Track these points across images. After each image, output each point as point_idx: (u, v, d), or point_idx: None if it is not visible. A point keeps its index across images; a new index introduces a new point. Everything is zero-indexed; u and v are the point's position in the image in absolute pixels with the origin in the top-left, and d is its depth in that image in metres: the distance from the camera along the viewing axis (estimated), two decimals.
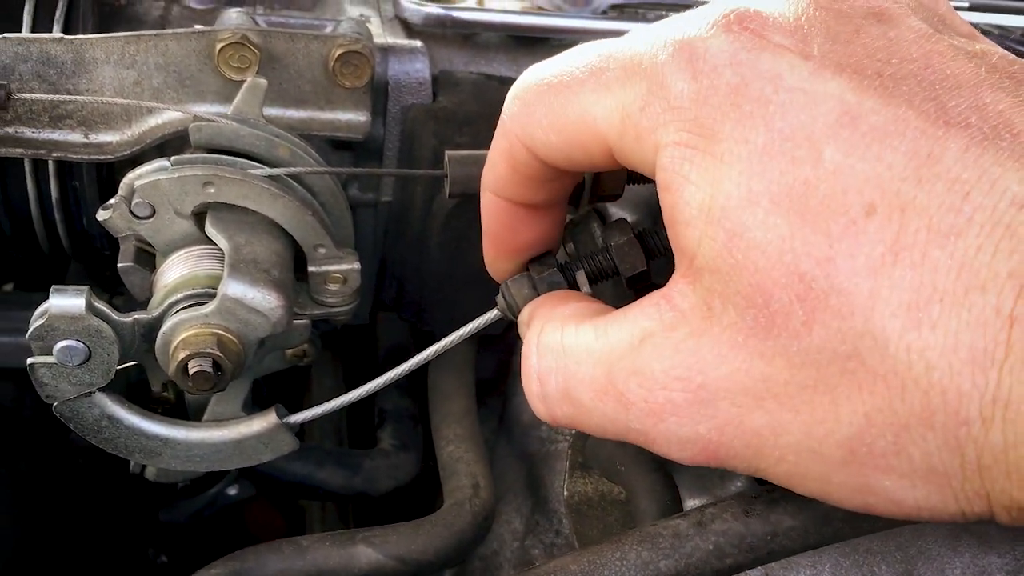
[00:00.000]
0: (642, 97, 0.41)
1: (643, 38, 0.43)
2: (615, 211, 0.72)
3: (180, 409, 0.72)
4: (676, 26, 0.42)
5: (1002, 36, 0.88)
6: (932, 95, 0.37)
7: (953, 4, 0.87)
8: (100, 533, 0.98)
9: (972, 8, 0.88)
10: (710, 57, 0.39)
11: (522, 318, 0.53)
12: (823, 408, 0.37)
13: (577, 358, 0.45)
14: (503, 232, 0.54)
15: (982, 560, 0.48)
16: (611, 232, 0.53)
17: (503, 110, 0.49)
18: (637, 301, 0.44)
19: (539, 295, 0.53)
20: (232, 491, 0.95)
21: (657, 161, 0.41)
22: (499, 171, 0.50)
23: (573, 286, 0.54)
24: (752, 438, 0.39)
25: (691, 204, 0.39)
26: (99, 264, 0.98)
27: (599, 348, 0.44)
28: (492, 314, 0.56)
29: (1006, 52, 0.42)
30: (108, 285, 0.97)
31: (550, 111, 0.45)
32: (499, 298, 0.55)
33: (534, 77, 0.47)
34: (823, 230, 0.36)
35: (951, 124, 0.36)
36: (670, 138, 0.40)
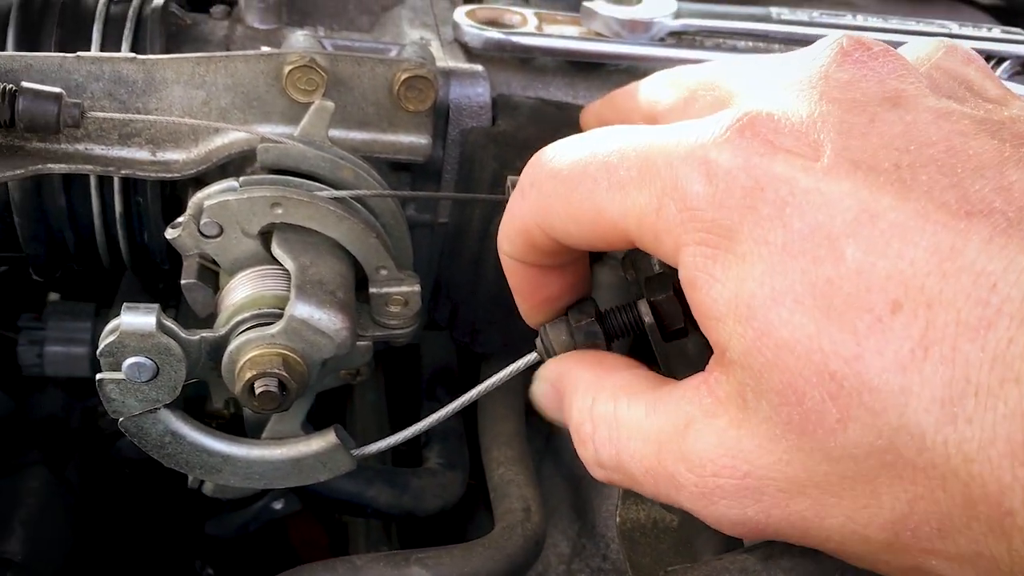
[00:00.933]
0: (657, 198, 0.42)
1: (657, 138, 0.43)
2: None
3: (233, 425, 0.72)
4: (690, 130, 0.42)
5: None
6: (953, 181, 0.36)
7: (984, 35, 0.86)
8: (148, 544, 0.99)
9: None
10: (723, 162, 0.40)
11: (560, 369, 0.53)
12: (865, 496, 0.38)
13: (629, 433, 0.46)
14: (528, 289, 0.55)
15: None
16: (652, 288, 0.53)
17: (516, 190, 0.50)
18: (683, 381, 0.45)
19: (576, 344, 0.54)
20: (277, 505, 0.96)
21: (680, 259, 0.42)
22: (516, 243, 0.52)
23: (610, 335, 0.54)
24: (798, 520, 0.40)
25: (719, 301, 0.40)
26: (153, 277, 0.99)
27: (649, 427, 0.45)
28: (531, 357, 0.56)
29: None
30: (161, 297, 0.98)
31: (567, 204, 0.46)
32: (538, 341, 0.56)
33: (549, 166, 0.48)
34: (849, 328, 0.36)
35: (973, 213, 0.35)
36: (690, 238, 0.41)
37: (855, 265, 0.36)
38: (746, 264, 0.39)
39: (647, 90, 0.57)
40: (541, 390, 0.54)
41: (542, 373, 0.54)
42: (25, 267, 0.84)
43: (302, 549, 1.09)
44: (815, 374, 0.37)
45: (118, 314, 0.60)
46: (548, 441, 0.92)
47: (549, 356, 0.55)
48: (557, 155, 0.48)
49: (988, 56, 0.87)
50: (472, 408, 0.90)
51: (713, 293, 0.40)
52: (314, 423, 0.68)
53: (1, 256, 0.81)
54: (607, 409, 0.47)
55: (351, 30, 0.87)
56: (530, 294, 0.55)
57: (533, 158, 0.50)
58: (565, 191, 0.46)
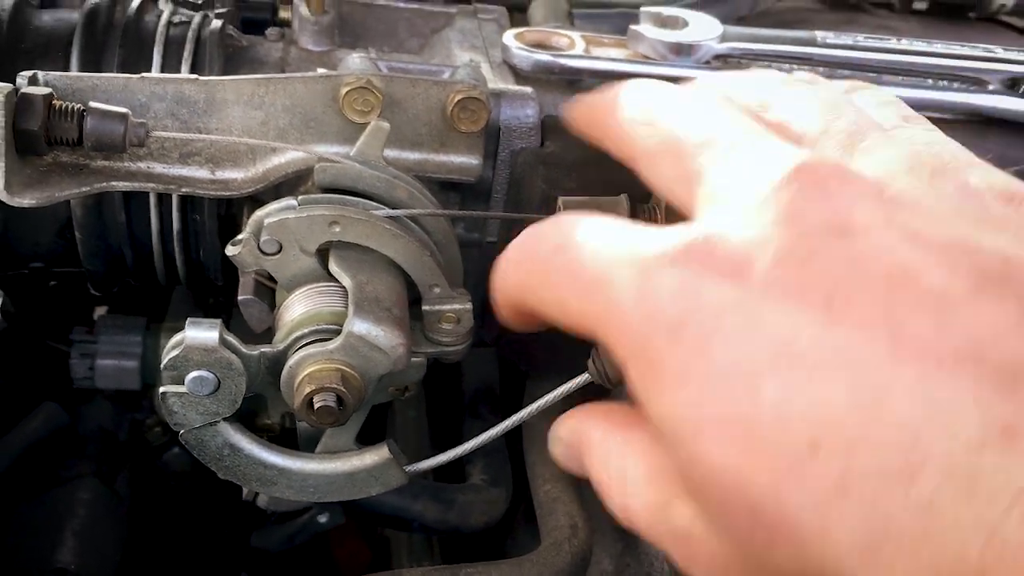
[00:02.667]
0: (604, 311, 0.43)
1: (611, 249, 0.44)
2: None
3: (283, 439, 0.74)
4: (638, 244, 0.43)
5: None
6: (887, 319, 0.35)
7: None
8: (194, 555, 1.01)
9: None
10: (656, 284, 0.40)
11: (574, 427, 0.54)
12: None
13: (634, 490, 0.47)
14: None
15: None
16: None
17: (500, 271, 0.54)
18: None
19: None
20: (323, 519, 0.97)
21: (624, 371, 0.43)
22: (503, 313, 0.56)
23: None
24: None
25: (655, 419, 0.41)
26: (204, 292, 1.01)
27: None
28: (583, 378, 0.56)
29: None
30: (212, 312, 1.00)
31: (537, 295, 0.49)
32: (590, 363, 0.55)
33: (526, 257, 0.51)
34: (767, 465, 0.36)
35: (901, 355, 0.34)
36: (626, 353, 0.42)
37: (773, 403, 0.35)
38: (673, 389, 0.39)
39: (628, 120, 0.56)
40: (559, 451, 0.55)
41: (557, 433, 0.55)
42: (76, 281, 0.86)
43: (345, 564, 1.11)
44: (741, 503, 0.37)
45: (173, 328, 0.61)
46: None
47: (605, 380, 0.54)
48: (533, 246, 0.50)
49: None
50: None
51: (649, 411, 0.41)
52: (359, 438, 0.69)
53: (61, 271, 0.83)
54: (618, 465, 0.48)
55: (401, 52, 0.89)
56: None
57: (514, 243, 0.52)
58: (537, 284, 0.49)
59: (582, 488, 0.91)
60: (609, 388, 0.54)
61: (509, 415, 0.90)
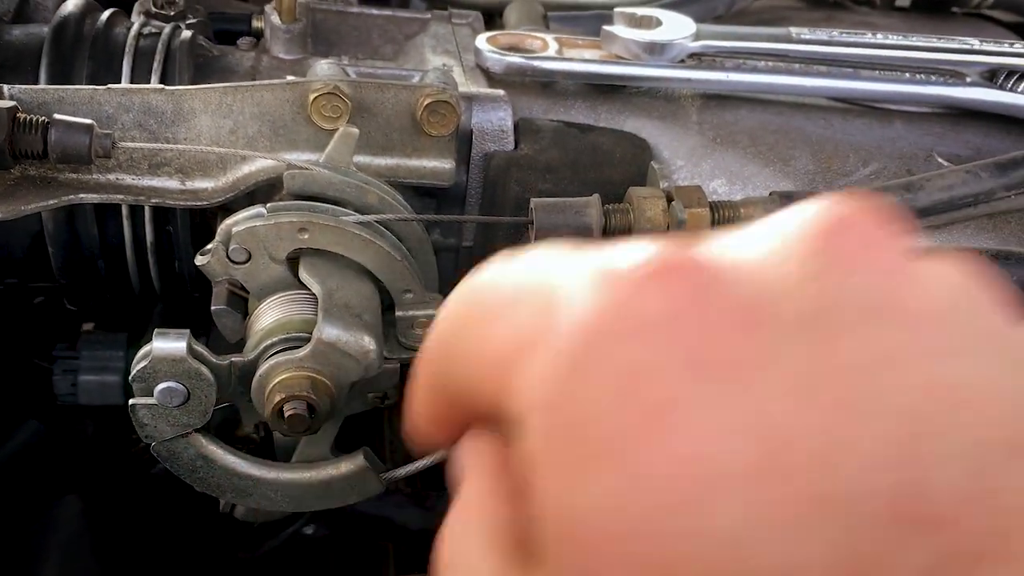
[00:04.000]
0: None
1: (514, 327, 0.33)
2: None
3: (264, 449, 0.73)
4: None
5: None
6: None
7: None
8: (180, 570, 1.00)
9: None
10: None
11: None
12: None
13: None
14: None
15: None
16: None
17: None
18: None
19: None
20: (308, 530, 0.97)
21: None
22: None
23: None
24: None
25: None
26: (185, 305, 1.01)
27: None
28: None
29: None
30: (192, 325, 0.99)
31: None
32: None
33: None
34: None
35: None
36: None
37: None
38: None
39: None
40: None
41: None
42: (60, 298, 0.86)
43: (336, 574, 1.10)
44: None
45: (150, 341, 0.61)
46: None
47: None
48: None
49: (1011, 72, 0.87)
50: None
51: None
52: (346, 448, 0.69)
53: (36, 286, 0.83)
54: None
55: (375, 59, 0.89)
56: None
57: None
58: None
59: None
60: None
61: None
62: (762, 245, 0.30)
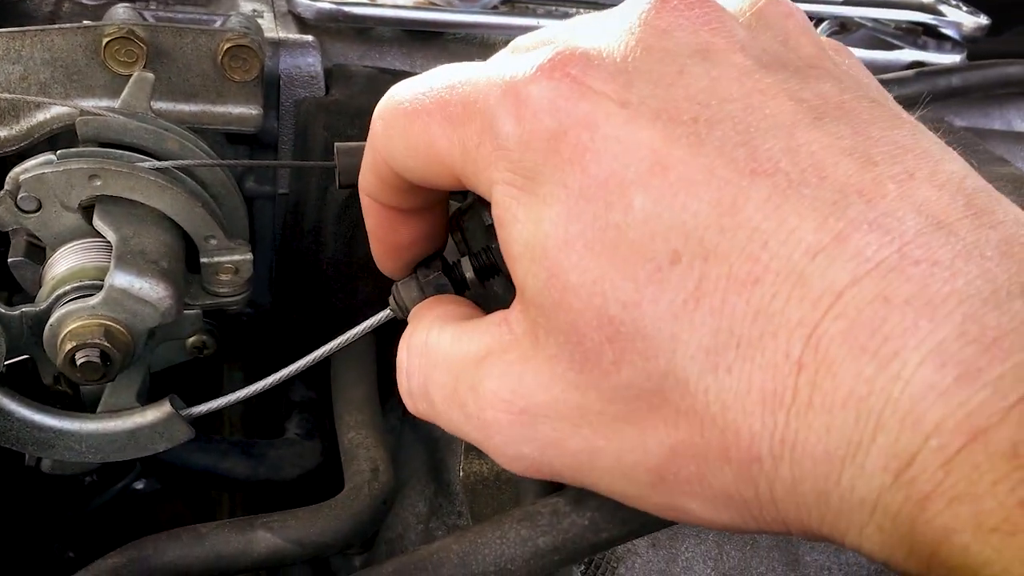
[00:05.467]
0: (477, 134, 0.43)
1: (481, 74, 0.44)
2: None
3: (79, 402, 0.72)
4: (508, 65, 0.42)
5: (875, 30, 0.92)
6: (745, 139, 0.37)
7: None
8: (6, 532, 0.98)
9: (846, 3, 0.92)
10: (532, 102, 0.40)
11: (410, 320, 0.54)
12: (632, 438, 0.39)
13: (435, 361, 0.47)
14: (383, 232, 0.55)
15: None
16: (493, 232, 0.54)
17: (371, 127, 0.50)
18: (488, 315, 0.46)
19: (426, 297, 0.55)
20: (139, 485, 0.96)
21: (492, 198, 0.43)
22: (369, 180, 0.52)
23: (461, 285, 0.55)
24: (572, 460, 0.42)
25: (518, 242, 0.41)
26: None
27: (451, 355, 0.46)
28: (384, 314, 0.57)
29: (847, 76, 0.42)
30: (4, 283, 0.96)
31: (406, 136, 0.46)
32: (391, 299, 0.56)
33: (394, 100, 0.48)
34: (631, 275, 0.37)
35: (757, 172, 0.36)
36: (500, 176, 0.42)
37: (642, 214, 0.37)
38: (545, 206, 0.39)
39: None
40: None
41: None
42: None
43: (168, 527, 1.09)
44: (595, 317, 0.38)
45: None
46: (405, 412, 0.94)
47: (402, 312, 0.55)
48: (403, 89, 0.48)
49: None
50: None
51: (515, 233, 0.41)
52: None
53: None
54: (419, 339, 0.48)
55: (185, 4, 0.87)
56: (384, 239, 0.55)
57: (385, 94, 0.49)
58: (405, 122, 0.46)
59: (395, 435, 0.92)
60: (405, 320, 0.54)
61: (326, 368, 0.90)
62: (611, 23, 0.42)
